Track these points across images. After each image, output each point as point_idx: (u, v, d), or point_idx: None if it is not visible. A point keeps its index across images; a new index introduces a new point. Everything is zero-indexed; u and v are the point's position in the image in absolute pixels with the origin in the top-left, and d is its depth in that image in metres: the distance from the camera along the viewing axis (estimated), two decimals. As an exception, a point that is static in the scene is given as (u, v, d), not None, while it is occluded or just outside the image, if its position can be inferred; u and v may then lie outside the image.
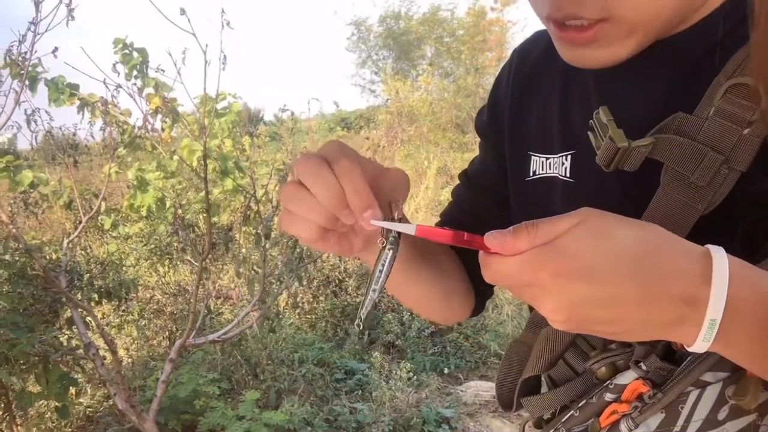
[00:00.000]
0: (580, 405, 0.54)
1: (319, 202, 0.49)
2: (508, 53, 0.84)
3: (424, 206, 6.64)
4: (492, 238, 0.42)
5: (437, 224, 0.83)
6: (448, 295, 0.77)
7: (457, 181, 0.86)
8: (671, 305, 0.40)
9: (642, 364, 0.50)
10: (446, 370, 3.74)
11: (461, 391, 3.52)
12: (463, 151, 8.82)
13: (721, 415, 0.48)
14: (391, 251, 0.50)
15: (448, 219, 0.83)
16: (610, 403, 0.51)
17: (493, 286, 0.80)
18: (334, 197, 0.49)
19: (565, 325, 0.43)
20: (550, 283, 0.41)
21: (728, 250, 0.42)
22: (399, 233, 0.50)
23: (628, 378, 0.51)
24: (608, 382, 0.52)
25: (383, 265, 0.51)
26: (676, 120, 0.51)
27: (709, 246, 0.42)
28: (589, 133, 0.56)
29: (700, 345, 0.41)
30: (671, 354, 0.50)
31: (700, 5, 0.53)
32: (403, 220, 0.52)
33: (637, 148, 0.51)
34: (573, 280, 0.40)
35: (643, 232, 0.41)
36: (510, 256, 0.42)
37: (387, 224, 0.49)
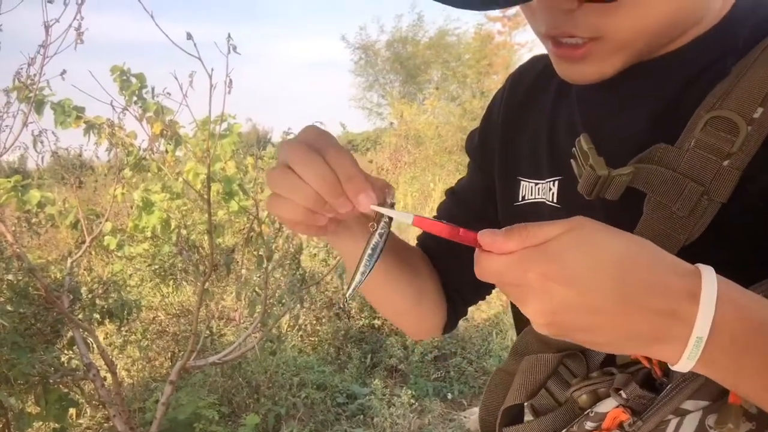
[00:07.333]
0: (561, 435, 0.53)
1: (310, 186, 0.50)
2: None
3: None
4: (485, 236, 0.43)
5: (418, 237, 0.83)
6: (419, 297, 0.76)
7: None
8: (653, 320, 0.40)
9: (622, 391, 0.50)
10: (450, 396, 3.69)
11: (465, 417, 3.46)
12: (468, 173, 8.82)
13: None
14: (382, 237, 0.51)
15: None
16: (590, 432, 0.50)
17: (466, 296, 0.81)
18: (329, 184, 0.50)
19: (547, 329, 0.43)
20: (536, 285, 0.41)
21: None
22: (391, 219, 0.51)
23: (608, 406, 0.50)
24: (589, 410, 0.52)
25: (373, 249, 0.51)
26: (657, 150, 0.52)
27: (699, 265, 0.42)
28: (572, 160, 0.57)
29: (684, 363, 0.41)
30: (651, 382, 0.50)
31: (689, 27, 0.54)
32: (393, 207, 0.52)
33: (618, 176, 0.52)
34: (559, 285, 0.41)
35: (632, 245, 0.42)
36: (500, 254, 0.43)
37: (385, 210, 0.50)
